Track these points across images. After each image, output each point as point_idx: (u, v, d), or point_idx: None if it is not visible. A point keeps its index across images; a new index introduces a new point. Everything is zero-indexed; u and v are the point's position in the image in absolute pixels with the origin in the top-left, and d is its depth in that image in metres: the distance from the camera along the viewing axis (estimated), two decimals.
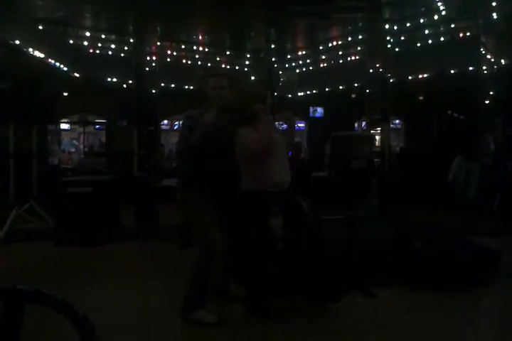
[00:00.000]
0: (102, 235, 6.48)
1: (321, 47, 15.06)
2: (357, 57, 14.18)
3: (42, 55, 11.13)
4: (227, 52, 15.93)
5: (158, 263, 5.59)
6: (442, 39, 11.84)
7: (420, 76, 12.84)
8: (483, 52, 10.17)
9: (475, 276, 4.48)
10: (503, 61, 10.00)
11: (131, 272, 5.42)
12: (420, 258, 4.51)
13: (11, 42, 9.81)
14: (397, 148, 13.99)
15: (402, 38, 12.63)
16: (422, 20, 11.95)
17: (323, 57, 15.43)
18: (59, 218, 6.65)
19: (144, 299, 4.42)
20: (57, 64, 12.22)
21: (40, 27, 11.30)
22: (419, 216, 7.60)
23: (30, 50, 10.69)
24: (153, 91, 13.21)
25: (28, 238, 6.73)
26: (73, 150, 17.67)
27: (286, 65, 16.55)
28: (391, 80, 12.19)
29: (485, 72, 10.17)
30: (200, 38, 14.64)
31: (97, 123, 17.02)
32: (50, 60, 11.74)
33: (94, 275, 5.08)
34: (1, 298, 1.48)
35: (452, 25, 11.51)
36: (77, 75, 13.07)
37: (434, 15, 11.46)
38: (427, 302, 4.19)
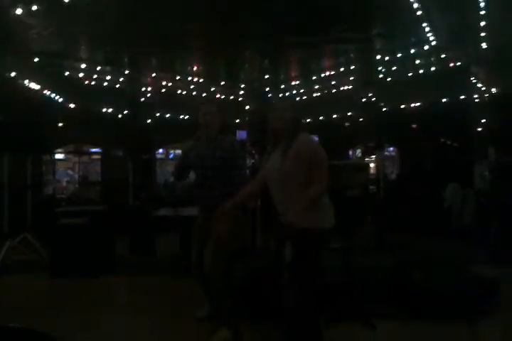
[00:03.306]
0: (97, 267, 6.40)
1: (314, 78, 15.23)
2: (350, 87, 14.35)
3: (37, 87, 11.20)
4: (222, 83, 16.09)
5: (154, 297, 5.51)
6: (433, 69, 12.01)
7: (413, 105, 12.98)
8: (474, 81, 10.32)
9: (474, 306, 4.43)
10: (493, 90, 10.14)
11: (126, 305, 5.34)
12: (418, 288, 4.47)
13: (7, 74, 9.88)
14: (393, 175, 14.01)
15: (394, 68, 12.81)
16: (412, 51, 12.13)
17: (317, 87, 15.60)
18: (53, 249, 6.58)
19: (139, 333, 4.34)
20: (53, 95, 12.28)
21: (36, 59, 11.40)
22: (416, 244, 7.56)
23: (26, 81, 10.76)
24: (148, 121, 13.31)
25: (22, 270, 6.65)
26: (67, 179, 17.60)
27: (280, 95, 16.69)
28: (384, 109, 12.30)
29: (476, 100, 10.30)
30: (195, 68, 14.80)
31: (92, 153, 17.02)
32: (45, 91, 11.81)
33: (89, 308, 5.00)
34: None
35: (443, 55, 11.69)
36: (72, 106, 13.13)
37: (424, 46, 11.65)
38: (426, 333, 4.14)
